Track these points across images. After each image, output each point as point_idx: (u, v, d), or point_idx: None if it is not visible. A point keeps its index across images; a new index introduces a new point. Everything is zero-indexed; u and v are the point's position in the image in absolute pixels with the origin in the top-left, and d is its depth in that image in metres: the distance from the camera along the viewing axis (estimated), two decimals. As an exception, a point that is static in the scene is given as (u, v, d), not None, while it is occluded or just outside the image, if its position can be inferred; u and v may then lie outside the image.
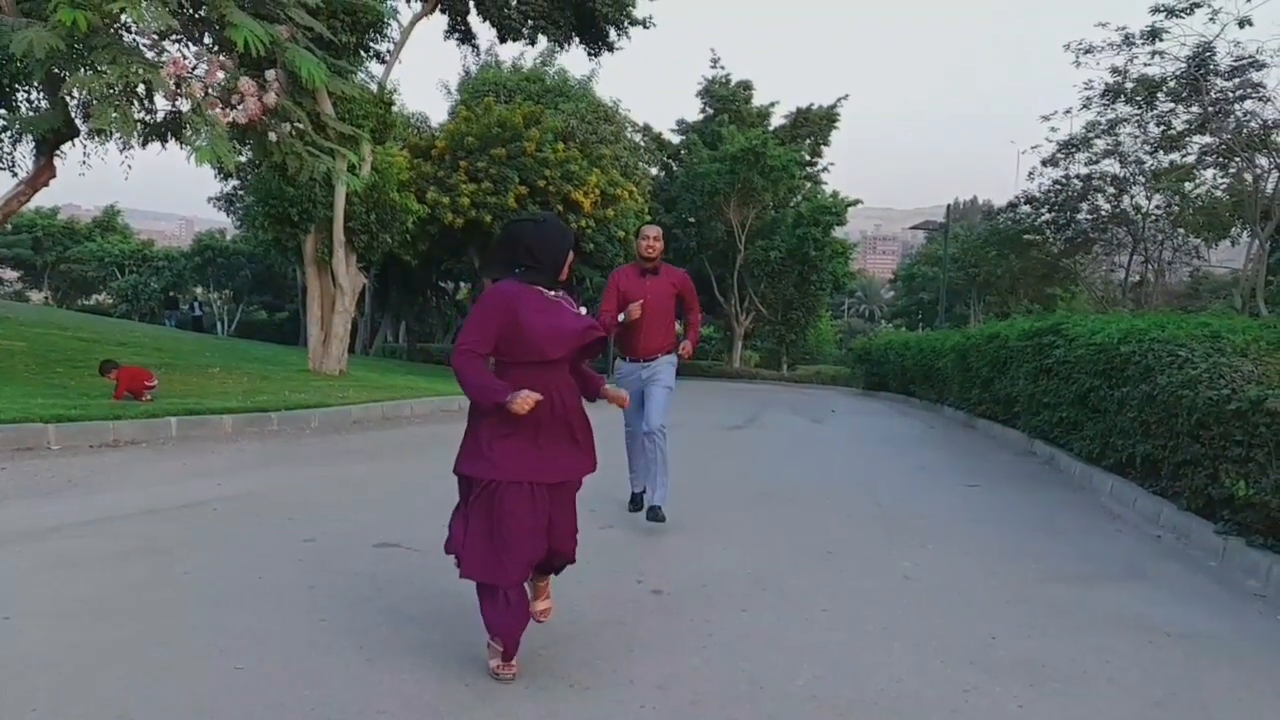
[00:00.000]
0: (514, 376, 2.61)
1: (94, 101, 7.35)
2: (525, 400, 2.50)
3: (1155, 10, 15.20)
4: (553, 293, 2.70)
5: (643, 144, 27.04)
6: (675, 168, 28.93)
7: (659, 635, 3.12)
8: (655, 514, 4.69)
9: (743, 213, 26.30)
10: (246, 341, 25.67)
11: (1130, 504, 5.97)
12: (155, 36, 8.42)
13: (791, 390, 21.95)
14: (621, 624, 3.13)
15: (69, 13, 6.62)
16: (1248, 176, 15.42)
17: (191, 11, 8.57)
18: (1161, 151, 17.20)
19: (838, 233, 28.01)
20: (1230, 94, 15.23)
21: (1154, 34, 15.30)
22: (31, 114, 10.05)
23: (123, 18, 7.44)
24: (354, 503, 5.03)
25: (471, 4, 15.71)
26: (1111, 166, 18.57)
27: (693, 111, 30.32)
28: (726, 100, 28.80)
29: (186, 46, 9.18)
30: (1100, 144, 18.17)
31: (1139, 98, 16.40)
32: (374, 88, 13.38)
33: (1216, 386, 5.03)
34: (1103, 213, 19.86)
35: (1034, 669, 3.00)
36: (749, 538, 4.73)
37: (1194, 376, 5.30)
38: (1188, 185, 17.56)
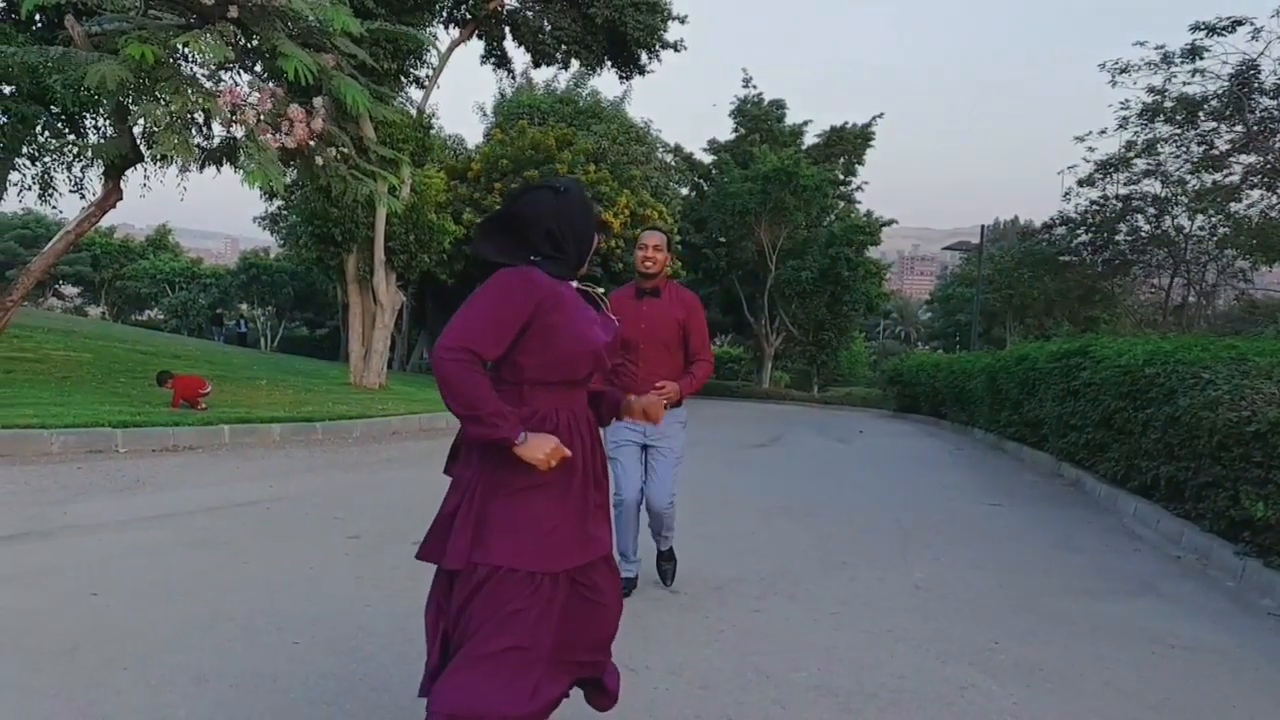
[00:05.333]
0: (530, 398, 1.91)
1: (156, 129, 7.87)
2: (550, 451, 1.80)
3: (1195, 28, 14.82)
4: (577, 285, 2.05)
5: (673, 164, 27.25)
6: (706, 187, 28.89)
7: (673, 628, 3.34)
8: (666, 558, 4.02)
9: (774, 232, 26.17)
10: (289, 356, 26.42)
11: (1153, 525, 5.95)
12: (213, 67, 8.98)
13: (820, 411, 21.86)
14: (639, 616, 3.34)
15: (138, 47, 7.15)
16: None
17: (245, 42, 9.10)
18: (1204, 171, 16.65)
19: (872, 253, 27.73)
20: (1275, 112, 14.75)
21: (1194, 52, 14.87)
22: (100, 141, 10.69)
23: (184, 50, 7.98)
24: (393, 505, 5.30)
25: (507, 30, 16.07)
26: (1152, 186, 18.10)
27: (725, 131, 30.36)
28: (759, 120, 28.75)
29: (239, 75, 9.74)
30: (1140, 164, 17.66)
31: (1179, 117, 15.94)
32: (413, 112, 13.80)
33: (1237, 408, 5.03)
34: (1142, 234, 19.37)
35: (1032, 671, 3.12)
36: (766, 546, 4.90)
37: (1215, 398, 5.30)
38: (1234, 205, 16.98)
